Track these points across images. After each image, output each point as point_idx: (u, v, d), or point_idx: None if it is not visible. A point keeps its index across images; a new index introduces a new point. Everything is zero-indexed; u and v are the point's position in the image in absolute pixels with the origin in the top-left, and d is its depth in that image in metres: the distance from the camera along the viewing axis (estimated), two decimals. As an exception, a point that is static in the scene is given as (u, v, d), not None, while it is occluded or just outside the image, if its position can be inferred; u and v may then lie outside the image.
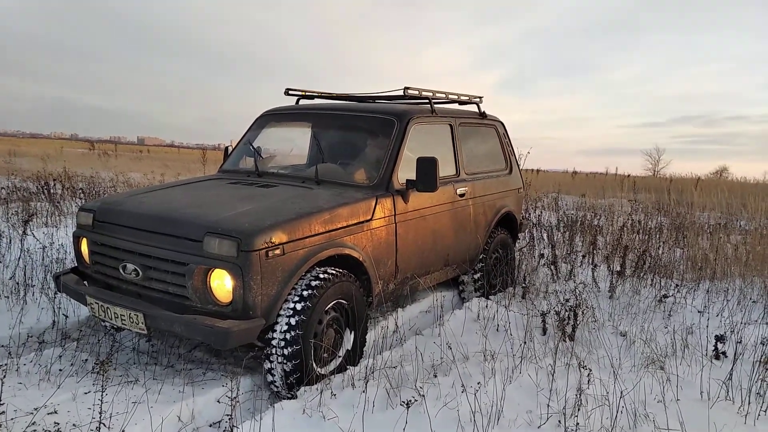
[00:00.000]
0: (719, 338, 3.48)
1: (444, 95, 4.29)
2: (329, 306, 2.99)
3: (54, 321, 3.52)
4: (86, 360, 3.08)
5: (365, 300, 3.29)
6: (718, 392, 2.88)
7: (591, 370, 2.90)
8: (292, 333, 2.75)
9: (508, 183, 5.03)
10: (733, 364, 3.02)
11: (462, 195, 4.24)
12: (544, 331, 3.78)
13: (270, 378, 2.84)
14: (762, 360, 3.19)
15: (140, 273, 2.90)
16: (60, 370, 2.95)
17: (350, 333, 3.19)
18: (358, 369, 3.00)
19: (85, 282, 3.30)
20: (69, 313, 3.64)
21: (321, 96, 4.56)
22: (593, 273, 4.89)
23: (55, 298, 3.70)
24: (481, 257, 4.57)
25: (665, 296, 4.42)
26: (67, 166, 12.75)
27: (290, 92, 4.39)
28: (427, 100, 4.17)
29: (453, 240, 4.16)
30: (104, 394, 2.34)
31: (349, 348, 3.18)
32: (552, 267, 5.32)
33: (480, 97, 4.80)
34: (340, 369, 3.08)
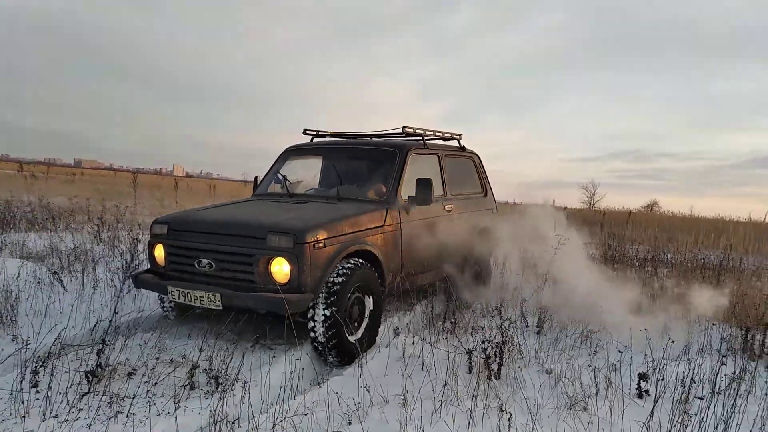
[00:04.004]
0: (642, 376, 3.44)
1: (432, 132, 5.33)
2: (354, 287, 3.85)
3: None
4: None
5: (380, 286, 4.18)
6: (639, 434, 2.81)
7: (511, 414, 2.77)
8: (331, 310, 3.61)
9: (484, 204, 6.15)
10: (654, 404, 2.96)
11: (449, 211, 5.27)
12: (470, 369, 3.65)
13: (316, 345, 3.69)
14: (681, 399, 3.17)
15: (213, 265, 3.76)
16: None
17: (370, 304, 4.06)
18: (264, 417, 2.76)
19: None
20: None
21: (332, 135, 5.62)
22: (522, 308, 4.82)
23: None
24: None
25: (592, 332, 4.39)
26: (-17, 188, 11.91)
27: (307, 132, 5.49)
28: (420, 137, 5.19)
29: (444, 245, 5.05)
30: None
31: (371, 309, 4.08)
32: (482, 301, 5.24)
33: (460, 135, 5.83)
34: (363, 338, 3.95)
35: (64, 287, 4.96)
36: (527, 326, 4.68)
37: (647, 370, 3.51)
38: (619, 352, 3.65)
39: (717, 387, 3.36)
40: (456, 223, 5.33)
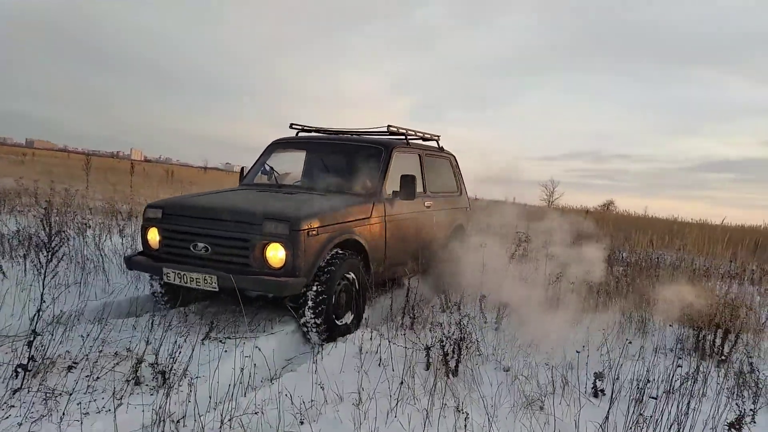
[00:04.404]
0: (598, 375, 3.44)
1: (413, 132, 5.62)
2: (343, 274, 4.10)
3: None
4: None
5: (366, 274, 4.41)
6: (595, 435, 2.80)
7: (468, 414, 2.71)
8: (322, 296, 3.85)
9: (459, 202, 6.51)
10: (611, 405, 2.95)
11: (428, 207, 5.56)
12: (428, 366, 3.58)
13: (305, 328, 3.92)
14: (636, 398, 3.18)
15: (209, 249, 3.88)
16: None
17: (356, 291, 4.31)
18: (212, 416, 2.62)
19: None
20: None
21: (318, 130, 5.77)
22: (481, 304, 4.79)
23: None
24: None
25: (549, 330, 4.39)
26: None
27: (293, 126, 5.66)
28: (403, 136, 5.49)
29: (423, 239, 5.44)
30: None
31: (357, 295, 4.33)
32: (442, 296, 5.19)
33: (438, 136, 6.15)
34: (348, 323, 4.18)
35: (3, 273, 4.68)
36: (485, 322, 4.66)
37: (603, 370, 3.52)
38: (577, 352, 3.64)
39: (671, 387, 3.40)
40: (434, 219, 5.66)
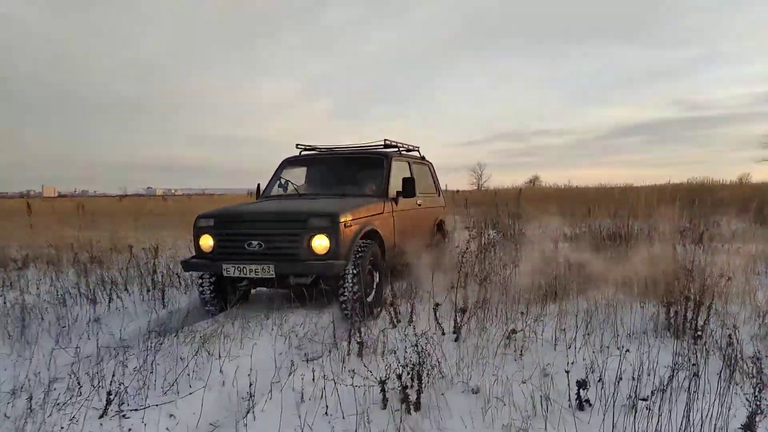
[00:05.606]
0: (581, 384, 2.96)
1: (402, 144, 6.77)
2: (369, 259, 4.86)
3: None
4: None
5: (383, 258, 5.32)
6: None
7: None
8: (356, 273, 4.59)
9: (438, 201, 7.71)
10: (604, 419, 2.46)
11: (420, 204, 6.65)
12: (384, 404, 2.98)
13: (343, 306, 4.60)
14: (628, 405, 2.72)
15: (263, 245, 4.63)
16: None
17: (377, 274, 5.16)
18: None
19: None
20: None
21: (321, 149, 6.74)
22: (435, 313, 4.23)
23: None
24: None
25: (513, 331, 3.89)
26: None
27: (299, 146, 6.70)
28: (396, 148, 6.62)
29: (419, 230, 6.53)
30: None
31: (378, 276, 5.21)
32: (391, 309, 4.61)
33: (418, 147, 7.27)
34: (373, 299, 4.99)
35: None
36: (443, 334, 4.11)
37: (585, 375, 3.03)
38: (567, 371, 3.11)
39: (661, 383, 2.96)
40: (424, 214, 6.85)
